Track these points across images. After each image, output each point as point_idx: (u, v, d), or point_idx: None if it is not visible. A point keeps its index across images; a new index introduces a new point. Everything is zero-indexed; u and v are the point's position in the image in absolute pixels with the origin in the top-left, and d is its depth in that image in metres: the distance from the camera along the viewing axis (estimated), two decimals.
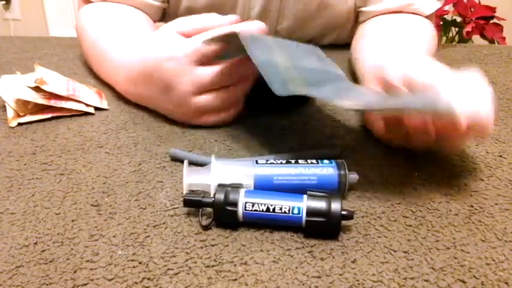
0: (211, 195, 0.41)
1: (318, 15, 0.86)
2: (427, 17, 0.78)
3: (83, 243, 0.38)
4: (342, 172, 0.43)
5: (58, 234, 0.39)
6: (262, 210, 0.39)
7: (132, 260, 0.36)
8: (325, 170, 0.43)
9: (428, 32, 0.74)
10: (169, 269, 0.36)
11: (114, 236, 0.39)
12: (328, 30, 0.91)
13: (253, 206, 0.39)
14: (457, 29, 2.03)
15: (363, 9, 0.82)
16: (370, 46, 0.69)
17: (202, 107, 0.54)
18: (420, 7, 0.76)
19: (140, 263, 0.36)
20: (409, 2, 0.76)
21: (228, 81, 0.54)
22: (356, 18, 0.87)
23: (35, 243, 0.38)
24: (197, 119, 0.56)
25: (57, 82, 0.61)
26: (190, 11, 0.85)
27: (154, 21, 0.83)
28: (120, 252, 0.37)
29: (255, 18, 0.86)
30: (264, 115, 0.61)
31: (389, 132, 0.51)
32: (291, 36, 0.91)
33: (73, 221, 0.41)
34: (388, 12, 0.78)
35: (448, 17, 2.01)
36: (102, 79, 0.70)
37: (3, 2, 2.82)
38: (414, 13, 0.77)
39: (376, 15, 0.80)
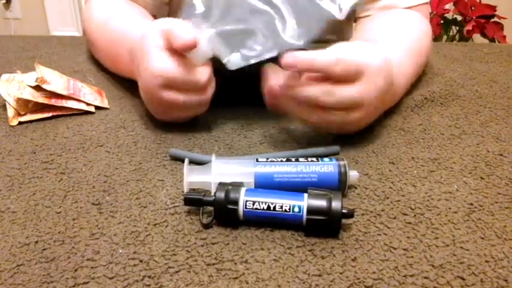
0: (212, 194, 0.41)
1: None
2: (416, 10, 0.77)
3: (83, 242, 0.38)
4: (343, 170, 0.43)
5: (59, 233, 0.39)
6: (263, 209, 0.39)
7: (133, 259, 0.37)
8: (326, 168, 0.43)
9: (410, 21, 0.74)
10: (170, 267, 0.36)
11: (115, 235, 0.39)
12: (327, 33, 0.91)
13: (253, 205, 0.39)
14: (457, 27, 2.03)
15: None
16: None
17: (169, 102, 0.53)
18: (398, 3, 0.76)
19: (141, 261, 0.36)
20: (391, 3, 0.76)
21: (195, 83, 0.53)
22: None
23: (36, 242, 0.38)
24: (165, 113, 0.56)
25: (58, 81, 0.61)
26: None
27: None
28: (121, 251, 0.37)
29: None
30: (263, 114, 0.61)
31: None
32: None
33: (74, 219, 0.41)
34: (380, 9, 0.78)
35: (449, 16, 2.01)
36: (109, 57, 0.71)
37: (4, 1, 2.82)
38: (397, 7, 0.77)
39: (370, 14, 0.80)
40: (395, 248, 0.38)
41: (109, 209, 0.42)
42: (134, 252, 0.37)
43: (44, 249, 0.38)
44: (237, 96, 0.65)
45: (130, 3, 0.77)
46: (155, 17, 0.79)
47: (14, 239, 0.39)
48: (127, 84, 0.69)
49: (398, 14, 0.75)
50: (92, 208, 0.43)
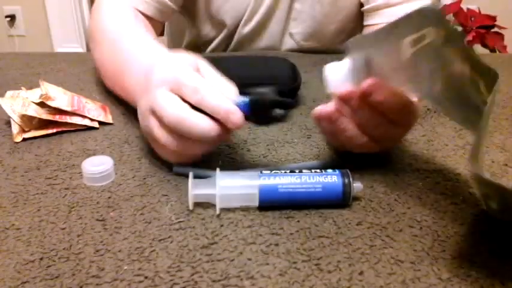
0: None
1: (332, 19, 0.87)
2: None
3: (88, 259, 0.38)
4: (346, 180, 0.43)
5: (64, 249, 0.39)
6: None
7: (138, 275, 0.36)
8: (330, 178, 0.43)
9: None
10: (175, 284, 0.35)
11: (119, 251, 0.39)
12: (339, 35, 0.91)
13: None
14: None
15: (366, 7, 0.83)
16: None
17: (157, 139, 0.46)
18: None
19: (146, 277, 0.36)
20: None
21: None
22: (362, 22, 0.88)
23: (41, 259, 0.38)
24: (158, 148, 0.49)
25: (62, 97, 0.62)
26: (208, 4, 0.89)
27: (157, 34, 0.83)
28: (125, 267, 0.37)
29: (262, 13, 0.88)
30: (265, 128, 0.61)
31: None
32: (306, 43, 0.92)
33: (78, 236, 0.41)
34: (390, 6, 0.78)
35: None
36: (113, 77, 0.67)
37: (8, 19, 2.85)
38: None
39: (379, 10, 0.80)
40: (402, 261, 0.38)
41: (113, 225, 0.42)
42: (139, 269, 0.37)
43: (49, 266, 0.37)
44: None
45: (138, 16, 0.76)
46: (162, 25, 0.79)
47: (19, 255, 0.39)
48: None
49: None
50: (97, 224, 0.42)
